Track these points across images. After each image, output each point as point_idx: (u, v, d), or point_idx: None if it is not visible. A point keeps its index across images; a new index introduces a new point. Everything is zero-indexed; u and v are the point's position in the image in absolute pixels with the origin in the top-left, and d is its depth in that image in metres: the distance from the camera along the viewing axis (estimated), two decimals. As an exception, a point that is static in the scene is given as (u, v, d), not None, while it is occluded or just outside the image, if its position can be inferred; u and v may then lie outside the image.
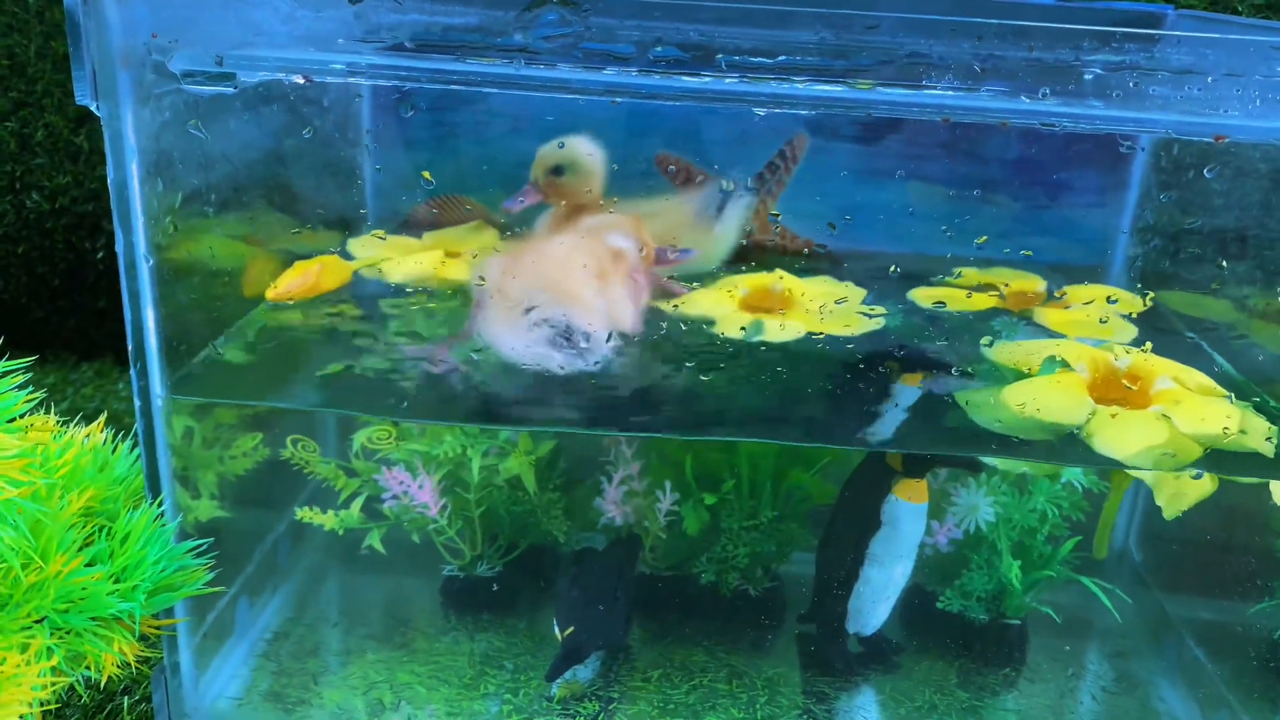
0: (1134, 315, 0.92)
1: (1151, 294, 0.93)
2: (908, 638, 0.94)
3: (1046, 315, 0.94)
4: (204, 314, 0.79)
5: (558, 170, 0.84)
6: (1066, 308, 0.97)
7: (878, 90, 0.64)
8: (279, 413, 0.96)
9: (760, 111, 0.63)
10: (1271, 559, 0.87)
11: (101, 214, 1.42)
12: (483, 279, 0.81)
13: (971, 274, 1.00)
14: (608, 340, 0.79)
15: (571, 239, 0.84)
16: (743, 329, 0.86)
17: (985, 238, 0.81)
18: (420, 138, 1.00)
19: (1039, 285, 0.98)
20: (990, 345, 0.83)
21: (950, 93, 0.63)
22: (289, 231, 0.91)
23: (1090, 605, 0.96)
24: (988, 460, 0.86)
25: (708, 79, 0.63)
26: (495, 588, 0.96)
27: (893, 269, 0.87)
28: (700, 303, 0.89)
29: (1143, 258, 1.04)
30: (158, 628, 0.75)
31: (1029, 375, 0.81)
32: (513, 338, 0.79)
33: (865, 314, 0.91)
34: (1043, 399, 0.78)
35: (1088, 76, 0.60)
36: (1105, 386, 0.81)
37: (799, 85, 0.64)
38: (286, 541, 0.99)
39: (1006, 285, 0.97)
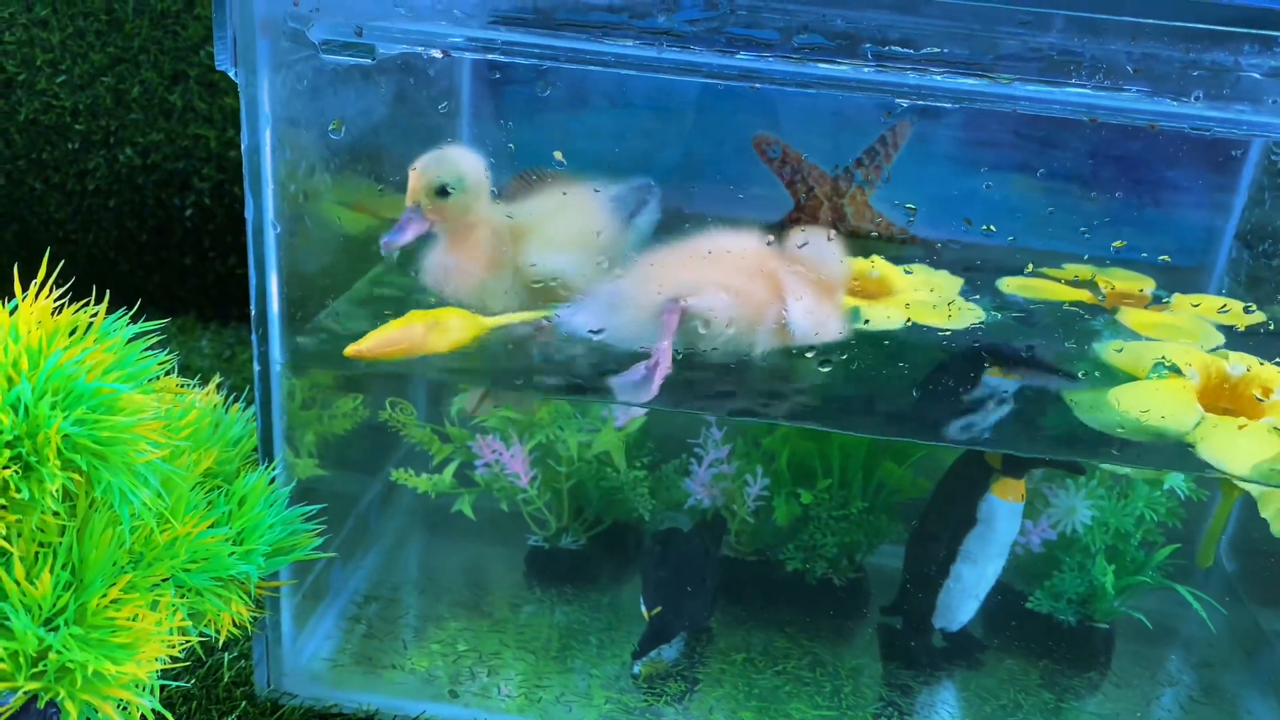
0: (1236, 324, 0.90)
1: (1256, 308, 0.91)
2: (992, 636, 0.94)
3: (1130, 316, 0.92)
4: (320, 281, 0.80)
5: (442, 191, 0.77)
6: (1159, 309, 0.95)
7: (1018, 85, 0.63)
8: (375, 376, 0.97)
9: (903, 102, 0.62)
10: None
11: (191, 172, 1.43)
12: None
13: (1080, 270, 0.99)
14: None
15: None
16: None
17: (1122, 242, 0.79)
18: (519, 111, 1.00)
19: (1146, 288, 0.96)
20: (1120, 351, 0.81)
21: (1096, 91, 0.61)
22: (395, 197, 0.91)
23: (1178, 613, 0.95)
24: (1094, 462, 0.85)
25: (846, 67, 0.62)
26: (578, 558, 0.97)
27: (1030, 268, 0.86)
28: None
29: (1249, 262, 1.02)
30: (263, 588, 0.76)
31: (1129, 378, 0.80)
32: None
33: (965, 307, 0.90)
34: (1152, 402, 0.77)
35: (1244, 80, 0.59)
36: (1216, 394, 0.80)
37: (938, 77, 0.63)
38: (376, 505, 1.00)
39: (1113, 286, 0.96)
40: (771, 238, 0.82)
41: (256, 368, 0.73)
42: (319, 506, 0.74)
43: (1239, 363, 0.81)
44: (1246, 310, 0.92)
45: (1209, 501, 0.94)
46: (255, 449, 0.76)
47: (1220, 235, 1.04)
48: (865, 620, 0.95)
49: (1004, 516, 0.86)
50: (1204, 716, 0.89)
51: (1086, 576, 0.89)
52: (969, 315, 0.88)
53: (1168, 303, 0.96)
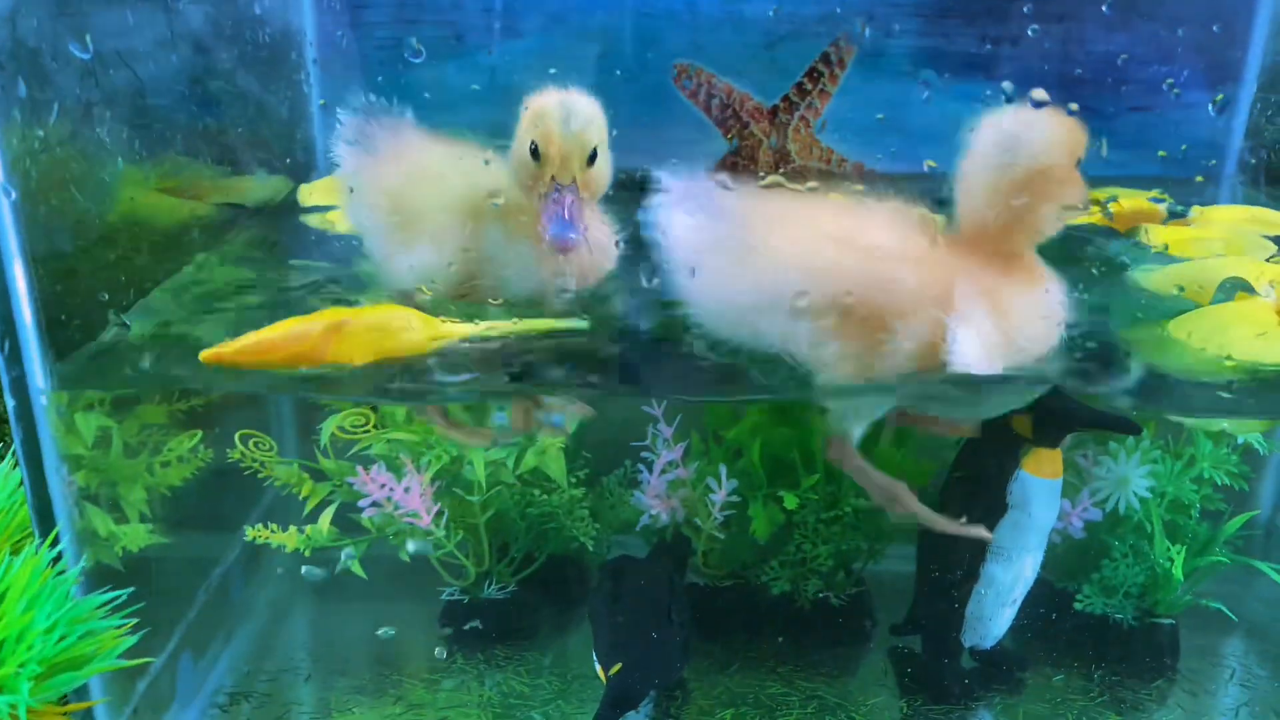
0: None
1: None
2: (1035, 648, 0.76)
3: (1157, 234, 0.76)
4: (103, 279, 0.57)
5: (594, 157, 0.56)
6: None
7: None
8: (225, 404, 0.76)
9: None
10: None
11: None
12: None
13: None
14: None
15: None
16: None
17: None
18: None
19: (1156, 204, 0.80)
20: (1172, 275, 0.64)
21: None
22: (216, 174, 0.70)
23: (1239, 594, 0.78)
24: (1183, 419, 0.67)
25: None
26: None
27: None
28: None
29: (1267, 163, 0.87)
30: (65, 712, 0.54)
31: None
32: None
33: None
34: (1227, 332, 0.60)
35: None
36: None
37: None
38: (240, 571, 0.78)
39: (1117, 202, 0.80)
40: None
41: (10, 402, 0.51)
42: (126, 592, 0.52)
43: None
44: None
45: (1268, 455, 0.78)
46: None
47: (1227, 137, 0.89)
48: (874, 645, 0.78)
49: (1041, 497, 0.69)
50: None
51: (1145, 562, 0.72)
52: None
53: (1189, 219, 0.80)
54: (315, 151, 0.86)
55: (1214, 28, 0.84)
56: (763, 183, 0.65)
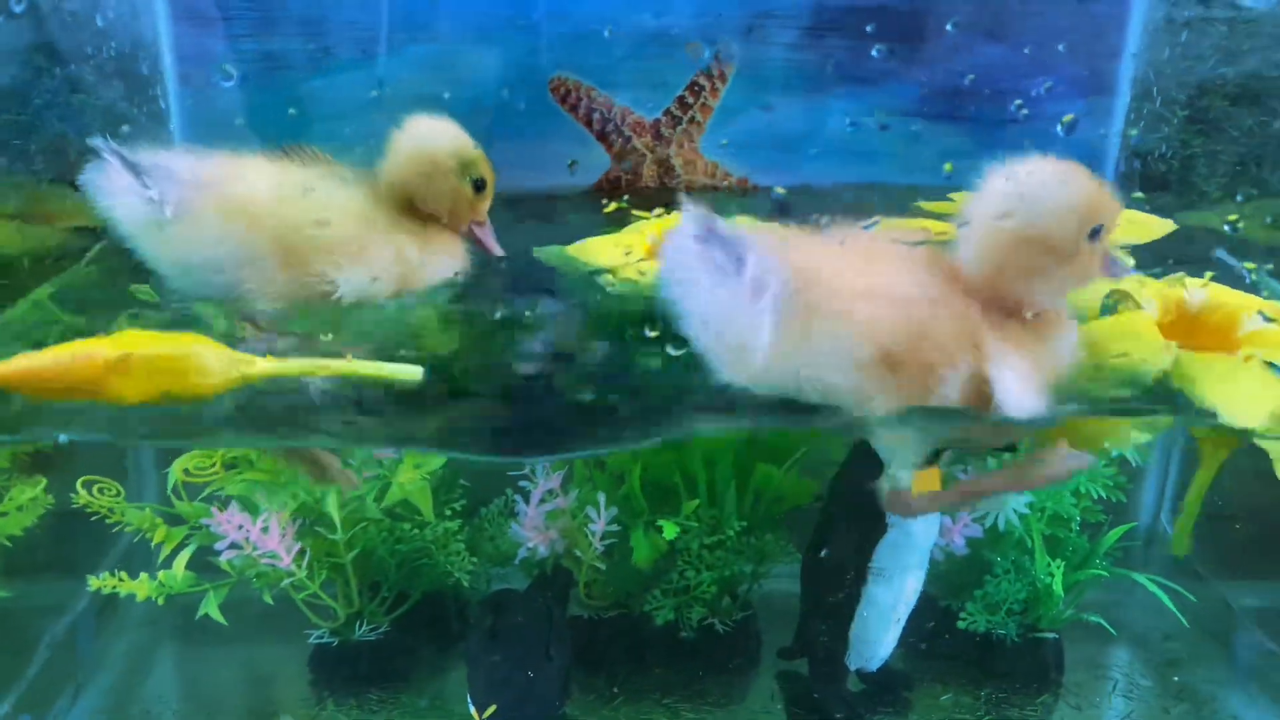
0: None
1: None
2: (920, 668, 0.75)
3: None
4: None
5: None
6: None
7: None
8: (69, 448, 0.71)
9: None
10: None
11: None
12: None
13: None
14: None
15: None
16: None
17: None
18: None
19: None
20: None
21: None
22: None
23: (1120, 602, 0.79)
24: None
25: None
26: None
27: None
28: (598, 253, 0.66)
29: (1142, 171, 0.87)
30: None
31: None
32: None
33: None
34: (1115, 345, 0.59)
35: None
36: (1180, 327, 0.63)
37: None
38: (90, 622, 0.74)
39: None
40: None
41: None
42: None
43: (1197, 288, 0.64)
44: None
45: (1145, 465, 0.79)
46: None
47: (1104, 145, 0.89)
48: (762, 671, 0.76)
49: (920, 516, 0.66)
50: (1185, 730, 0.72)
51: (1027, 578, 0.71)
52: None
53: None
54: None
55: (1087, 37, 0.85)
56: (608, 209, 0.63)
